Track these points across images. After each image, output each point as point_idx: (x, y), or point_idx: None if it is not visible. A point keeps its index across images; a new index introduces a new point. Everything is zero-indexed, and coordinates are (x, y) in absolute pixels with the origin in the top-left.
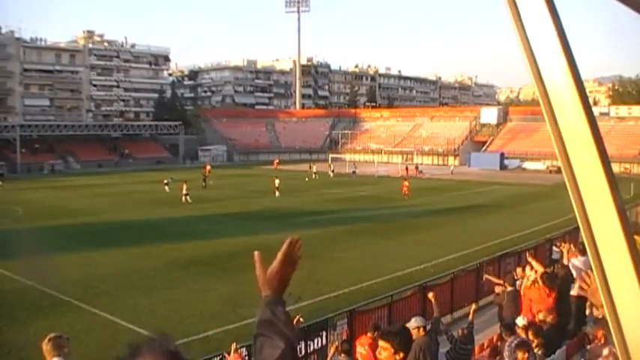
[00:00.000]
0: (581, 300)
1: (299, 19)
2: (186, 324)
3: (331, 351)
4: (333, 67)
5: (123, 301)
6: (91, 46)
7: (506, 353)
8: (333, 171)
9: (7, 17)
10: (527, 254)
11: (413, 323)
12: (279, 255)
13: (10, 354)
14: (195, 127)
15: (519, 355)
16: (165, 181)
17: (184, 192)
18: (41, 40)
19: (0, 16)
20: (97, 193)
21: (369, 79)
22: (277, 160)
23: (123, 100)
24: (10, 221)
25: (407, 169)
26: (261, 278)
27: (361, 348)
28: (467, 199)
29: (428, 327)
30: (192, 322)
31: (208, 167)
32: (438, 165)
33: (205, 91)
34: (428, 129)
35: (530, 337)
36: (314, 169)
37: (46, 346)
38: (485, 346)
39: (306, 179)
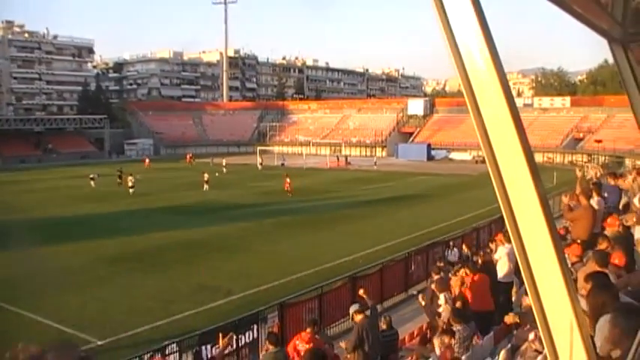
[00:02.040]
0: (508, 286)
1: (226, 10)
2: (115, 321)
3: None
4: (260, 59)
5: (49, 300)
6: (10, 37)
7: (436, 341)
8: (261, 163)
9: None
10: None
11: (352, 308)
12: None
13: None
14: (121, 121)
15: (446, 340)
16: (91, 176)
17: (130, 185)
18: None
19: None
20: (20, 190)
21: (297, 71)
22: (190, 155)
23: (45, 93)
24: None
25: (338, 159)
26: None
27: (303, 345)
28: (395, 189)
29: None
30: (122, 319)
31: (147, 161)
32: (366, 156)
33: (131, 84)
34: (355, 121)
35: (455, 323)
36: (223, 163)
37: None
38: (415, 335)
39: (217, 174)
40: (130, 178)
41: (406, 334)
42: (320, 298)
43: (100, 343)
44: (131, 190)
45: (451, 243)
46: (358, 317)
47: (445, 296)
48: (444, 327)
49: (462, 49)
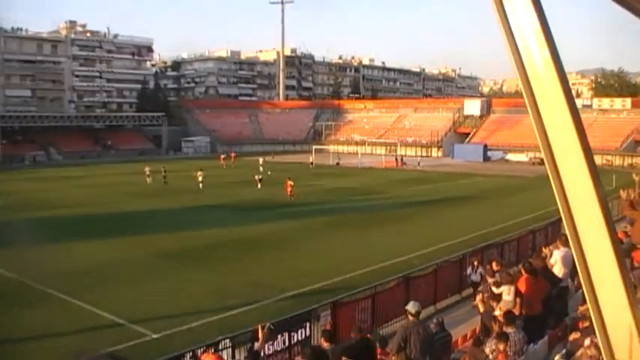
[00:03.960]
0: (563, 290)
1: (283, 9)
2: (170, 315)
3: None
4: (316, 59)
5: (106, 292)
6: (73, 36)
7: (489, 344)
8: (312, 163)
9: None
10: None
11: (410, 306)
12: None
13: None
14: (178, 119)
15: (500, 346)
16: (147, 172)
17: (200, 179)
18: (22, 29)
19: None
20: (79, 185)
21: (353, 70)
22: (224, 156)
23: (105, 91)
24: None
25: (396, 159)
26: None
27: None
28: (450, 190)
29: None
30: (176, 313)
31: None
32: (422, 157)
33: (189, 82)
34: (411, 120)
35: (507, 326)
36: (260, 162)
37: None
38: (468, 337)
39: (269, 172)
40: (200, 172)
41: (459, 336)
42: (373, 297)
43: (154, 336)
44: (201, 185)
45: (475, 262)
46: (410, 318)
47: (509, 289)
48: (499, 330)
49: (521, 50)
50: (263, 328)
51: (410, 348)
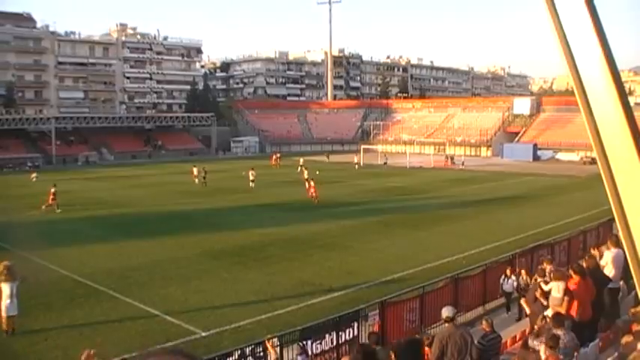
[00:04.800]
0: (614, 292)
1: (330, 9)
2: (219, 314)
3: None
4: (364, 58)
5: (156, 290)
6: (124, 39)
7: (538, 345)
8: (357, 163)
9: (42, 11)
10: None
11: (445, 311)
12: None
13: (47, 341)
14: (227, 119)
15: (550, 347)
16: (195, 173)
17: (251, 178)
18: (75, 33)
19: (35, 11)
20: (130, 184)
21: (401, 69)
22: (275, 157)
23: (156, 92)
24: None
25: (446, 159)
26: None
27: None
28: (499, 190)
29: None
30: (225, 312)
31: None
32: (471, 156)
33: (237, 83)
34: (460, 120)
35: (556, 328)
36: (301, 162)
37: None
38: (517, 338)
39: (317, 172)
40: (251, 172)
41: (508, 337)
42: (422, 297)
43: (203, 334)
44: (252, 185)
45: (508, 271)
46: (445, 324)
47: (559, 286)
48: (548, 332)
49: (573, 46)
50: (269, 341)
51: (447, 357)
